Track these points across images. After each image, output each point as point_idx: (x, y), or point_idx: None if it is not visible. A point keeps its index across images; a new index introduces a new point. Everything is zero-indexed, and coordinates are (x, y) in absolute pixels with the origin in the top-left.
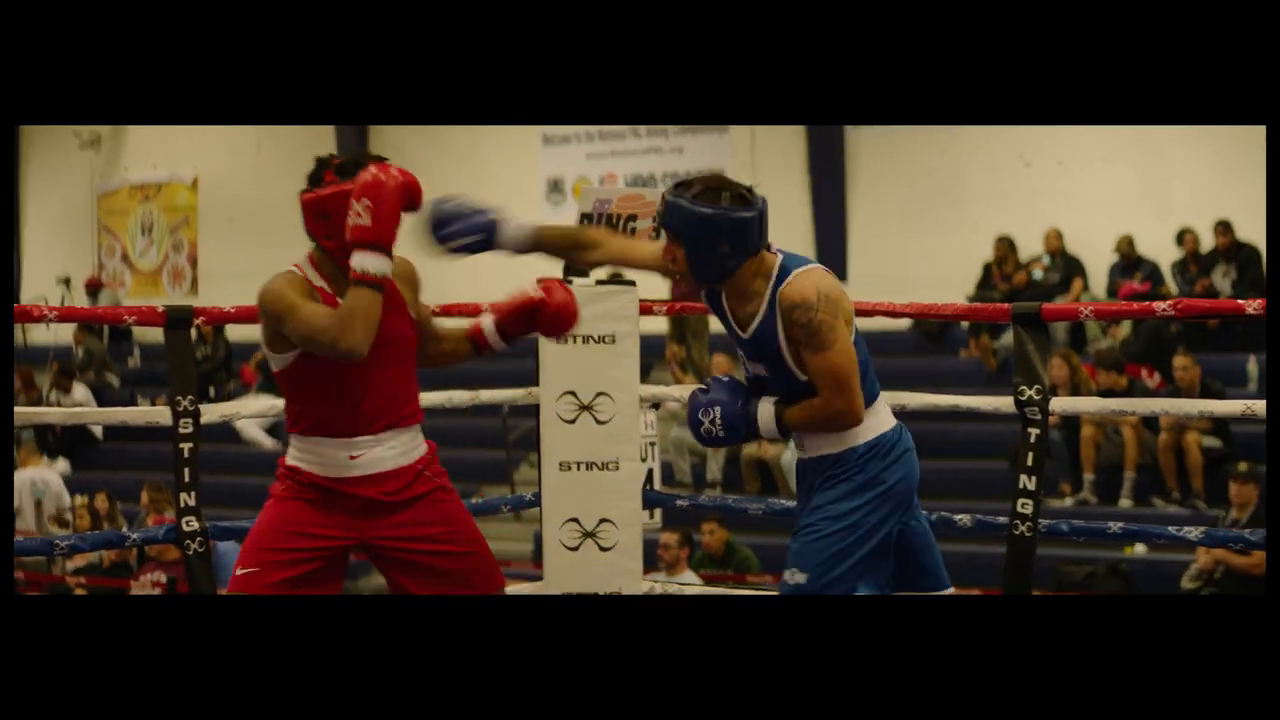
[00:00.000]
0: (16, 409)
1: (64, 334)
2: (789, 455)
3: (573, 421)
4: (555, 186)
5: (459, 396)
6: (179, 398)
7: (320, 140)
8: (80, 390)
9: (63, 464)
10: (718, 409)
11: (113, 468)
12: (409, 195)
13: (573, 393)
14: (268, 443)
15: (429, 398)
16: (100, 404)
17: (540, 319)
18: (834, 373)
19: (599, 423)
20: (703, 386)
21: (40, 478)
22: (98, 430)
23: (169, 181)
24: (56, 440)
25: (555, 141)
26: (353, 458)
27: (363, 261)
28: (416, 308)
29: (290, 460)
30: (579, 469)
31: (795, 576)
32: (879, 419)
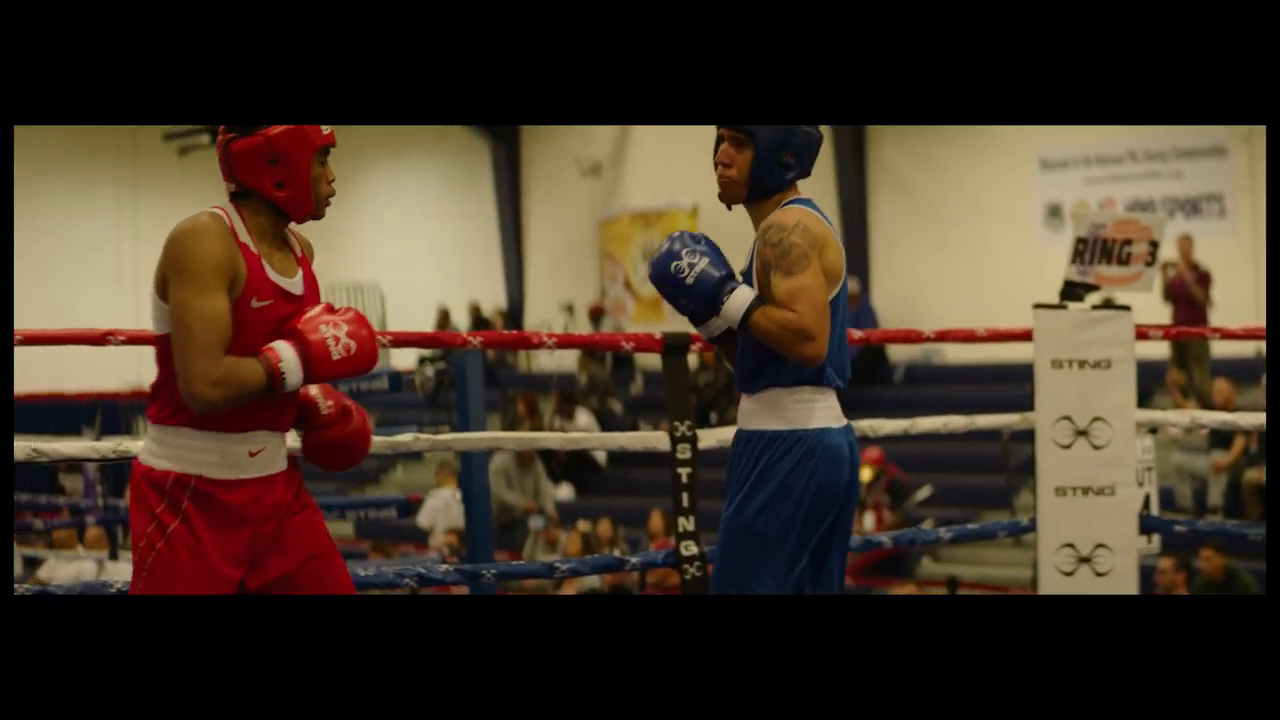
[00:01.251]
0: (519, 434)
1: (567, 361)
2: None
3: (1069, 447)
4: (1053, 211)
5: (954, 422)
6: (676, 423)
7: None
8: (583, 416)
9: (566, 489)
10: (704, 261)
11: (616, 493)
12: (367, 370)
13: (1069, 418)
14: None
15: (925, 423)
16: (603, 430)
17: (311, 438)
18: (802, 294)
19: (1095, 448)
20: (695, 235)
21: (456, 497)
22: (601, 456)
23: (669, 209)
24: (560, 466)
25: (1053, 166)
26: (251, 454)
27: (291, 366)
28: None
29: (160, 463)
30: (1075, 494)
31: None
32: (810, 411)
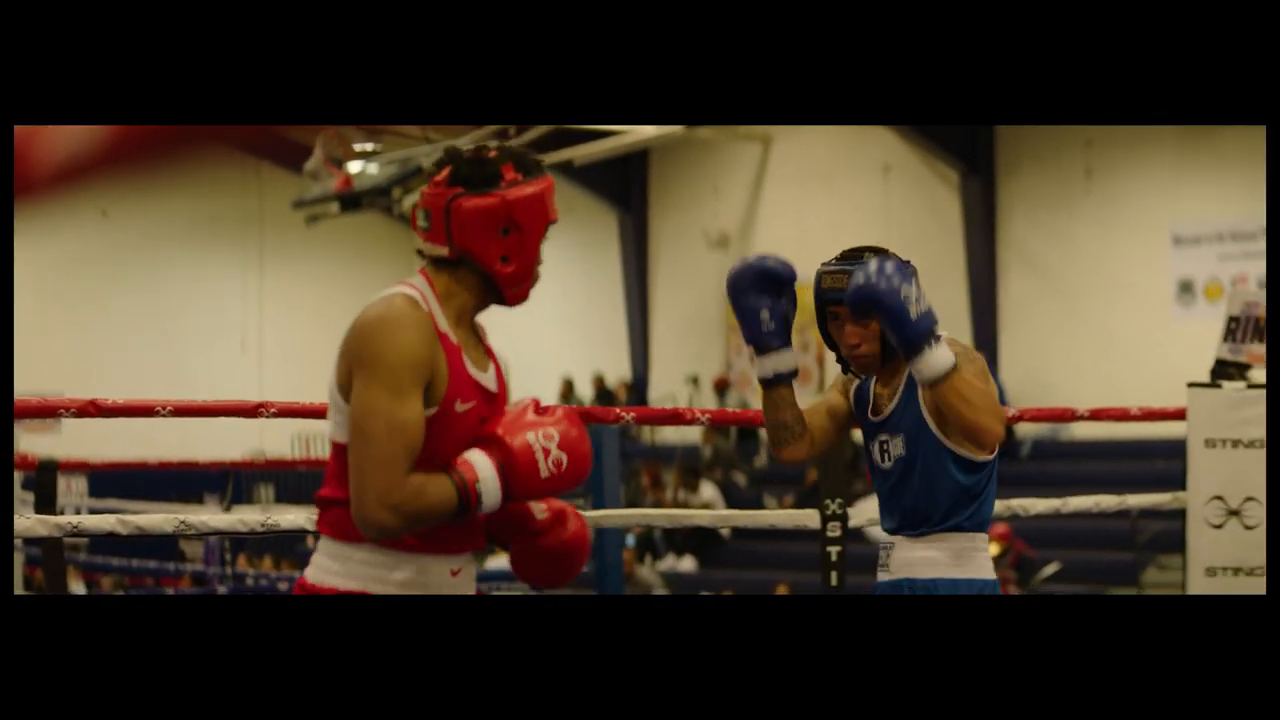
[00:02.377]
0: (671, 511)
1: (690, 433)
2: None
3: (1220, 526)
4: (1185, 288)
5: (1106, 501)
6: (828, 500)
7: (949, 240)
8: (708, 489)
9: (689, 561)
10: (927, 301)
11: (740, 566)
12: (576, 486)
13: (1221, 498)
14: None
15: (1076, 502)
16: (728, 503)
17: (523, 546)
18: (992, 396)
19: (1247, 528)
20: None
21: None
22: (724, 530)
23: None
24: (683, 538)
25: (1186, 242)
26: (454, 573)
27: (489, 487)
28: None
29: (336, 580)
30: (1226, 574)
31: None
32: (984, 560)
